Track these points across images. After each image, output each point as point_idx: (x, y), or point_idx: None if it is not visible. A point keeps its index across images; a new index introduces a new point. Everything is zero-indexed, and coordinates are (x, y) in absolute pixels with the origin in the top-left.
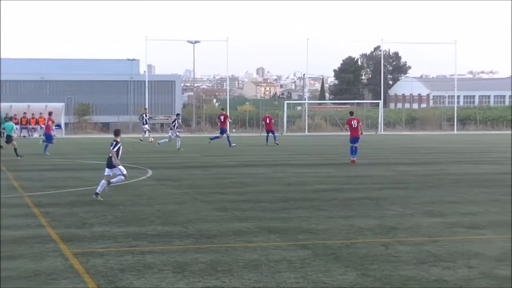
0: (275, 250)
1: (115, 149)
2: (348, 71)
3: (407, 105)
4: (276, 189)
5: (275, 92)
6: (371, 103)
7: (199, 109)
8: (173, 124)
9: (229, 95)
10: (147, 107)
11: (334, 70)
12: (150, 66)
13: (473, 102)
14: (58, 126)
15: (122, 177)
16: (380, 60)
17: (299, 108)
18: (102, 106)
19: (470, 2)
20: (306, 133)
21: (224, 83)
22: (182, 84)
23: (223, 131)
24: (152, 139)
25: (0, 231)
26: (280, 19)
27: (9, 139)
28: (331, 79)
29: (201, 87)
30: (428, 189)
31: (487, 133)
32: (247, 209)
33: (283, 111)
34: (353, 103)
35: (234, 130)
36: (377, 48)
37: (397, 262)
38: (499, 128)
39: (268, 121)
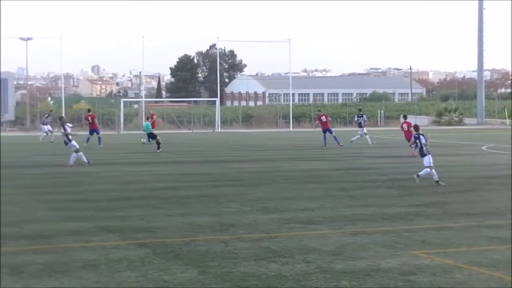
0: (114, 249)
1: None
2: (185, 69)
3: (243, 103)
4: (113, 188)
5: (111, 90)
6: (208, 101)
7: (33, 108)
8: (360, 120)
9: (64, 93)
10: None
11: (171, 68)
12: None
13: (308, 99)
14: None
15: (428, 170)
16: (216, 58)
17: (135, 106)
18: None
19: (304, 2)
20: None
21: (59, 81)
22: (15, 82)
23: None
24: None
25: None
26: (115, 17)
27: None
28: (167, 77)
29: (35, 85)
30: (264, 186)
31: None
32: (84, 208)
33: (120, 109)
34: (190, 101)
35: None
36: (212, 46)
37: (237, 259)
38: (333, 125)
39: (324, 119)
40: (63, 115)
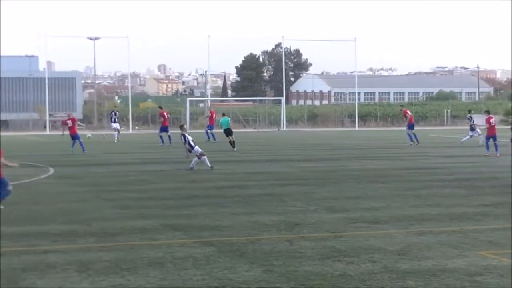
0: (180, 247)
1: None
2: (250, 68)
3: (308, 102)
4: (179, 186)
5: (177, 89)
6: (273, 100)
7: (101, 106)
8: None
9: (131, 92)
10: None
11: (236, 67)
12: (49, 63)
13: (374, 98)
14: None
15: None
16: (282, 57)
17: (201, 105)
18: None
19: (370, 1)
20: None
21: (126, 80)
22: (83, 81)
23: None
24: (119, 138)
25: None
26: (181, 16)
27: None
28: (233, 76)
29: (102, 84)
30: (330, 185)
31: (387, 129)
32: (151, 206)
33: (186, 108)
34: (255, 100)
35: (136, 128)
36: (278, 45)
37: (302, 258)
38: (399, 124)
39: (410, 114)
40: (182, 123)
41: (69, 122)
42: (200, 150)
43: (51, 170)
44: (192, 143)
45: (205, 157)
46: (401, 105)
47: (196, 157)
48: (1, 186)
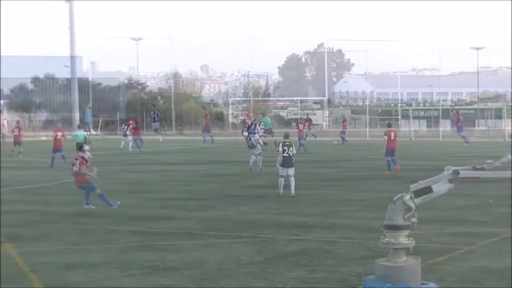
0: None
1: None
2: (292, 69)
3: (351, 102)
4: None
5: (220, 89)
6: (316, 100)
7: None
8: None
9: (174, 92)
10: (90, 104)
11: (278, 68)
12: (93, 64)
13: (417, 98)
14: None
15: None
16: (324, 58)
17: (244, 105)
18: (45, 103)
19: (412, 1)
20: None
21: (169, 80)
22: (126, 82)
23: None
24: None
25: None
26: (224, 16)
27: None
28: (275, 76)
29: (145, 84)
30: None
31: (430, 129)
32: (191, 206)
33: (228, 109)
34: (298, 100)
35: (179, 128)
36: (320, 46)
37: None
38: (443, 125)
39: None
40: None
41: (132, 122)
42: (260, 150)
43: (95, 170)
44: (256, 142)
45: (261, 157)
46: (454, 108)
47: (253, 156)
48: (91, 188)
